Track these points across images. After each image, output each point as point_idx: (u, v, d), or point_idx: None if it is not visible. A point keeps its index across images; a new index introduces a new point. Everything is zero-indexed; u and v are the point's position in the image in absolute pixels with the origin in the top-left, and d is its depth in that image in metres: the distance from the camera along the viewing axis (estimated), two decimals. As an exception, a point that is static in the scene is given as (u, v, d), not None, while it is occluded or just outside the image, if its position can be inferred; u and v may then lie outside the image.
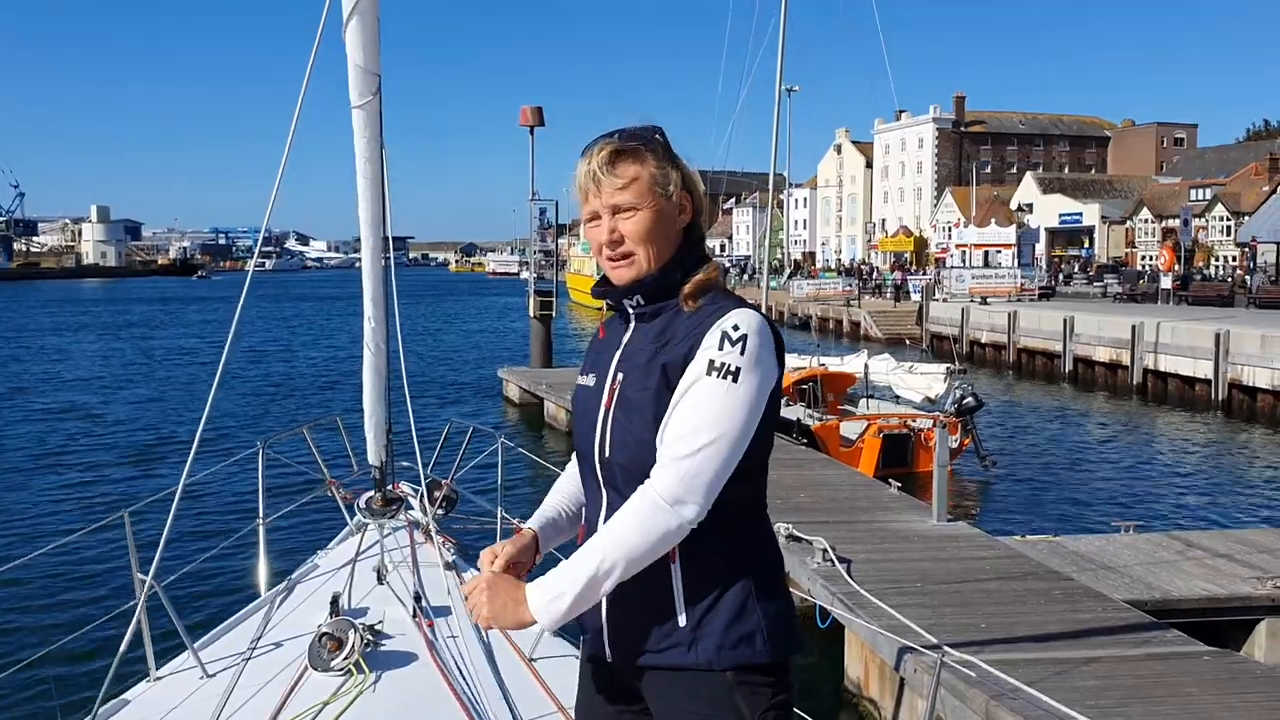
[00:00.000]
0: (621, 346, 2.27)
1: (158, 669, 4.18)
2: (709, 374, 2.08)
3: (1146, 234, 75.09)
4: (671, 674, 2.18)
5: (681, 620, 2.16)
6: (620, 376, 2.22)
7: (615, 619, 2.23)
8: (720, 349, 2.09)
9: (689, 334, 2.14)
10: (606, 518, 2.21)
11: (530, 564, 2.39)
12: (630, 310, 2.26)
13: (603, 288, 2.30)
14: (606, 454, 2.22)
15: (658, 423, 2.13)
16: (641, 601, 2.18)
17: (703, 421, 2.06)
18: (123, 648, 3.93)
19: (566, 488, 2.51)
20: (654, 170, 2.20)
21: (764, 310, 2.31)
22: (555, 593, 2.07)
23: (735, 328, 2.10)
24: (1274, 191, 56.00)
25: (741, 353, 2.08)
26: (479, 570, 2.35)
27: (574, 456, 2.41)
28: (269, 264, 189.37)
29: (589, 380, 2.32)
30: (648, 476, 2.12)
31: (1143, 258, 70.78)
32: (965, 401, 15.91)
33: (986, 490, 15.99)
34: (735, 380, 2.07)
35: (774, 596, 2.21)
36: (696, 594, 2.15)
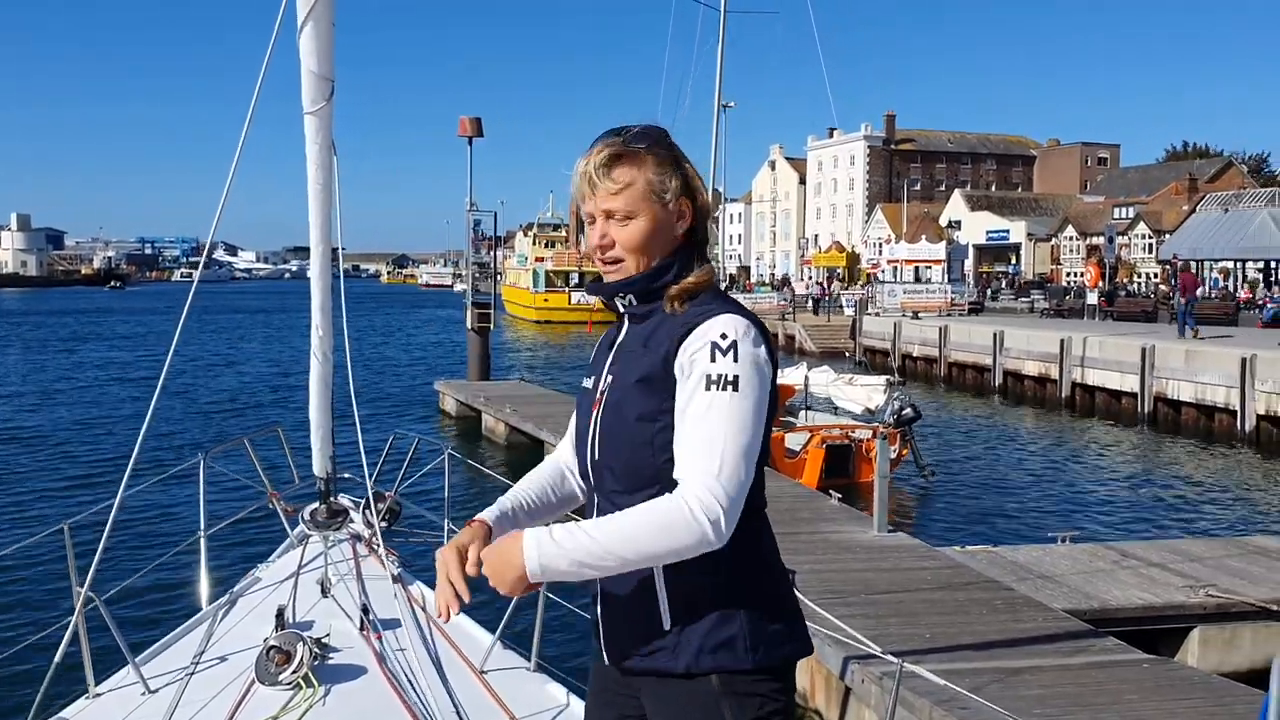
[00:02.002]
0: (615, 348, 2.26)
1: (97, 685, 4.05)
2: (709, 389, 2.02)
3: (1071, 251, 76.92)
4: (660, 679, 2.16)
5: (666, 624, 2.13)
6: (611, 378, 2.20)
7: (608, 620, 2.22)
8: (713, 361, 2.03)
9: (670, 336, 2.11)
10: None
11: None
12: (622, 309, 2.23)
13: (596, 285, 2.25)
14: (596, 456, 2.20)
15: (641, 423, 2.11)
16: (631, 604, 2.16)
17: (717, 434, 1.99)
18: (57, 659, 3.81)
19: (534, 477, 2.43)
20: (651, 176, 2.14)
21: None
22: (551, 557, 1.96)
23: (723, 336, 2.05)
24: (1193, 210, 57.60)
25: (735, 360, 2.03)
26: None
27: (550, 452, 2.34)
28: (196, 274, 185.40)
29: (587, 382, 2.30)
30: (632, 480, 2.10)
31: (1068, 274, 72.38)
32: (904, 413, 16.09)
33: (924, 501, 16.16)
34: (736, 389, 2.02)
35: (761, 601, 2.17)
36: (680, 598, 2.12)
